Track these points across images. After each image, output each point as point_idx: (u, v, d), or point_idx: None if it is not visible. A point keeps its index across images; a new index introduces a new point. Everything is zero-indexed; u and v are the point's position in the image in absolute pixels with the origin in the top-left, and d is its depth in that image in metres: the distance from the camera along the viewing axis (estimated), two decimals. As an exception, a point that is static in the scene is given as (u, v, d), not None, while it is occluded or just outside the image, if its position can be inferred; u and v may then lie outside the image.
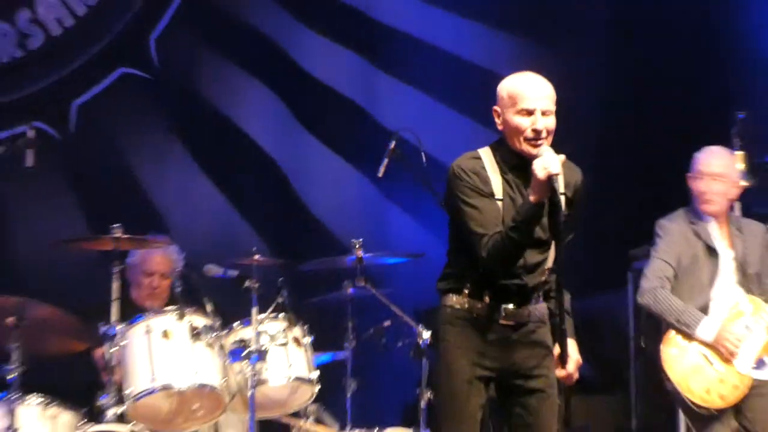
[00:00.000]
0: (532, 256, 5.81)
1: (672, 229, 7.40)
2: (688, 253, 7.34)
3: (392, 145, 8.07)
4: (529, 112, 5.72)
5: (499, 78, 5.92)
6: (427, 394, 7.74)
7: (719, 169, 7.35)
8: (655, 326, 7.42)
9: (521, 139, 5.74)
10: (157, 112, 9.99)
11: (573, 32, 9.71)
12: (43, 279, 9.11)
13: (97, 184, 9.67)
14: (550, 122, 5.73)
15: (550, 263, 5.85)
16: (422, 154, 7.99)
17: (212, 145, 9.99)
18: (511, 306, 5.84)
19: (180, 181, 9.95)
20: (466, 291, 5.87)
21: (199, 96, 10.03)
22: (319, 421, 8.10)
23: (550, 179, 5.58)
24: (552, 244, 5.81)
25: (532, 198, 5.63)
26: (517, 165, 5.79)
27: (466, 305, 5.86)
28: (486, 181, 5.80)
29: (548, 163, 5.59)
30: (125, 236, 7.55)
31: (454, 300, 5.90)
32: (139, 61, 9.99)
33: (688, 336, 7.24)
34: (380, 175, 8.15)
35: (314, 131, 10.07)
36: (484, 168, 5.81)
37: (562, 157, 5.67)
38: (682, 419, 7.97)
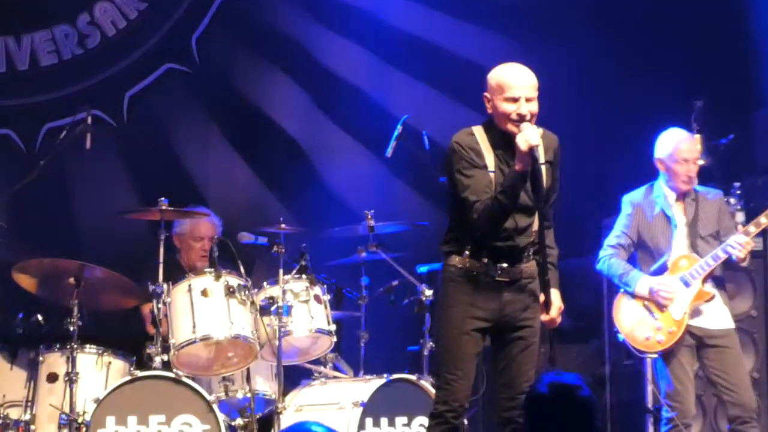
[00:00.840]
0: (521, 220, 5.80)
1: (631, 204, 7.38)
2: (646, 223, 7.32)
3: (399, 129, 8.06)
4: (515, 99, 5.74)
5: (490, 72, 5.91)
6: (429, 345, 7.71)
7: (693, 154, 7.27)
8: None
9: (508, 121, 5.73)
10: (198, 102, 9.92)
11: (552, 31, 9.61)
12: (99, 245, 9.05)
13: (146, 163, 9.60)
14: (533, 107, 5.75)
15: (536, 226, 5.83)
16: (424, 137, 7.95)
17: (245, 130, 9.94)
18: (505, 265, 5.82)
19: (217, 160, 9.89)
20: (467, 252, 5.84)
21: (233, 88, 9.96)
22: (336, 367, 8.05)
23: (531, 150, 5.62)
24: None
25: (516, 167, 5.67)
26: (505, 143, 5.78)
27: (467, 264, 5.83)
28: (480, 154, 5.80)
29: (528, 136, 5.64)
30: (170, 208, 7.55)
31: (456, 260, 5.87)
32: (182, 58, 9.91)
33: (632, 295, 7.25)
34: (388, 155, 8.15)
35: (332, 118, 10.00)
36: (477, 143, 5.82)
37: (540, 129, 5.74)
38: (648, 364, 7.89)
